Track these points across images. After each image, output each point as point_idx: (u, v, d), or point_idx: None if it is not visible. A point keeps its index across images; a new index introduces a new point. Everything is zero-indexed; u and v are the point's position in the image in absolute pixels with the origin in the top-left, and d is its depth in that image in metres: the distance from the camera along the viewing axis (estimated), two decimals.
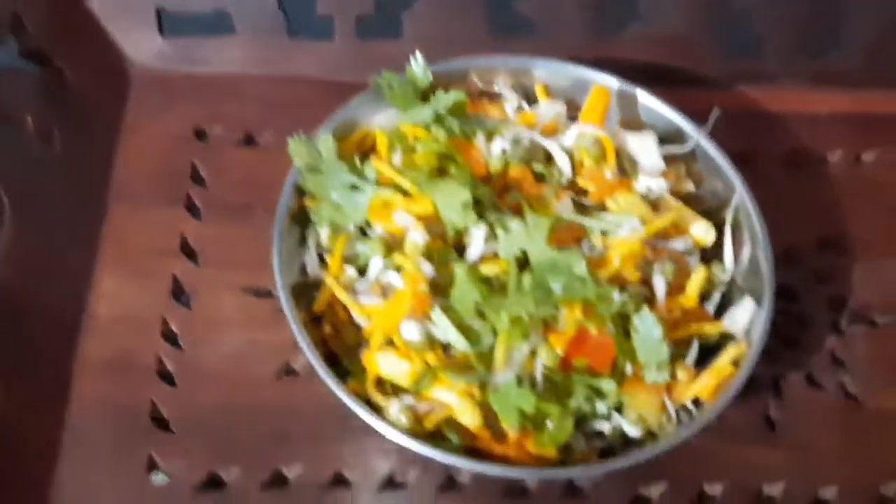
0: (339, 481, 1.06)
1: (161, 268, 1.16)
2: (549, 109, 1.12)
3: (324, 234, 1.05)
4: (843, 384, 1.14)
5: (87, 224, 1.17)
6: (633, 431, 1.00)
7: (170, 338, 1.12)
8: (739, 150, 1.16)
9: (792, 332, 1.15)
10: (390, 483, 1.06)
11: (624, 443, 1.01)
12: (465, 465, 0.93)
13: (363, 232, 1.07)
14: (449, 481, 1.06)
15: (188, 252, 1.17)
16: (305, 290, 1.05)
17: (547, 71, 1.16)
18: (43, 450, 1.04)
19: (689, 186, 1.11)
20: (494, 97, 1.16)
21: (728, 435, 1.09)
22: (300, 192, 1.06)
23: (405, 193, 1.03)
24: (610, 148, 1.06)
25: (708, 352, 1.04)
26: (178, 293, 1.15)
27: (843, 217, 1.23)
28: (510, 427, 0.94)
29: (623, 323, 0.99)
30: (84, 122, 1.22)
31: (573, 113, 1.14)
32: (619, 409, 1.01)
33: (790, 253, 1.17)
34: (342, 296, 1.01)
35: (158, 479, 1.04)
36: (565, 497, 1.06)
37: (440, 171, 1.05)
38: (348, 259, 1.05)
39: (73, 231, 1.16)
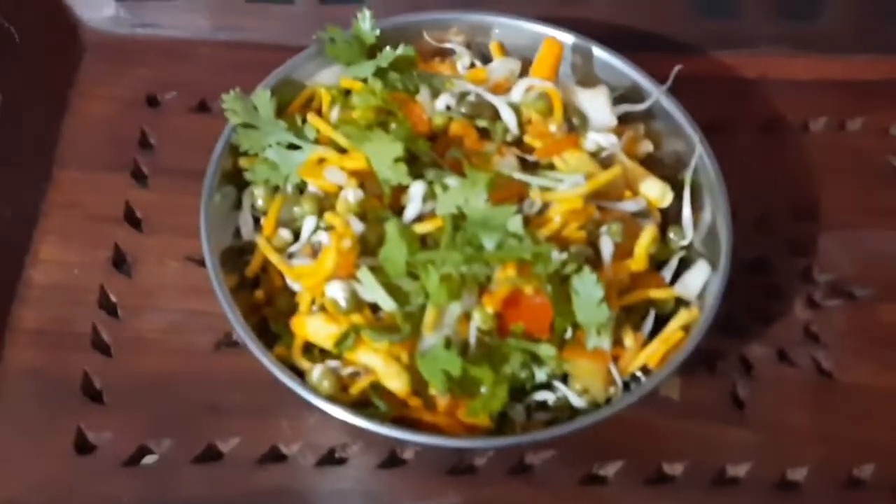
0: (276, 456, 1.01)
1: (103, 235, 1.12)
2: (501, 67, 1.07)
3: (259, 194, 1.00)
4: (816, 360, 1.07)
5: (29, 188, 1.13)
6: (578, 402, 0.94)
7: (107, 307, 1.08)
8: (714, 117, 1.12)
9: (763, 305, 1.08)
10: (330, 458, 1.01)
11: (570, 416, 0.95)
12: (385, 432, 0.88)
13: (302, 194, 1.01)
14: (391, 457, 1.01)
15: (132, 220, 1.13)
16: (240, 254, 1.01)
17: (503, 29, 1.11)
18: None
19: (648, 147, 1.05)
20: (447, 56, 1.10)
21: (692, 413, 1.03)
22: (235, 151, 1.01)
23: (342, 151, 0.97)
24: (557, 101, 1.00)
25: (662, 323, 0.98)
26: (119, 262, 1.10)
27: (821, 186, 1.17)
28: (438, 392, 0.89)
29: (564, 285, 0.92)
30: (32, 84, 1.18)
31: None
32: (565, 380, 0.94)
33: (764, 222, 1.11)
34: (273, 257, 0.97)
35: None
36: (514, 474, 1.01)
37: (380, 128, 0.99)
38: (286, 222, 1.00)
39: (13, 195, 1.12)
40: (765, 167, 1.14)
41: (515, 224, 0.90)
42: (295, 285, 0.97)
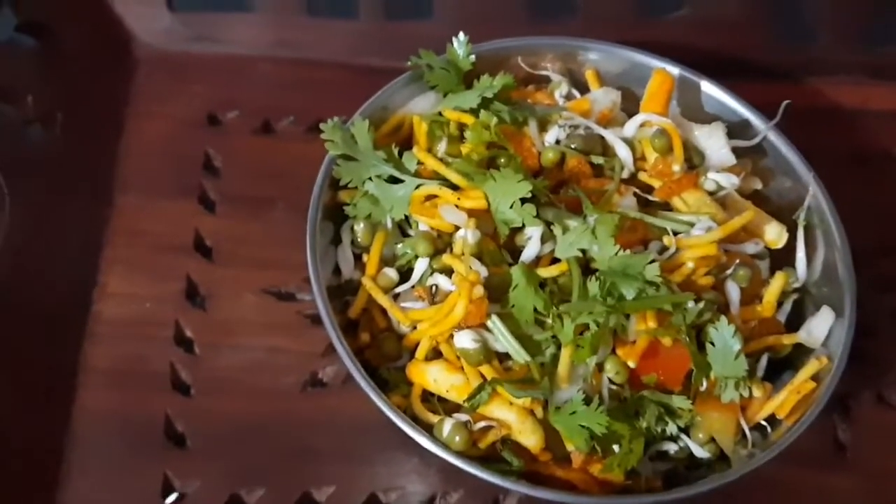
0: None
1: (173, 266, 1.06)
2: (603, 97, 1.02)
3: (360, 230, 0.95)
4: None
5: (92, 216, 1.07)
6: (702, 453, 0.91)
7: (183, 343, 1.02)
8: (798, 147, 1.07)
9: (857, 344, 1.04)
10: None
11: (690, 465, 0.92)
12: (528, 492, 0.84)
13: (402, 231, 0.96)
14: None
15: (202, 249, 1.07)
16: (339, 293, 0.96)
17: (599, 54, 1.06)
18: (45, 464, 0.94)
19: (756, 185, 1.01)
20: (541, 84, 1.06)
21: (795, 458, 0.97)
22: (334, 184, 0.96)
23: (451, 186, 0.92)
24: (677, 138, 0.96)
25: (773, 365, 0.95)
26: (193, 294, 1.04)
27: None
28: (578, 450, 0.85)
29: (695, 334, 0.88)
30: (87, 103, 1.12)
31: (626, 105, 1.04)
32: (685, 429, 0.91)
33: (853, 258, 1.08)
34: (381, 299, 0.92)
35: (170, 498, 0.93)
36: None
37: (489, 162, 0.94)
38: (387, 260, 0.95)
39: (75, 224, 1.06)
40: (849, 200, 1.09)
41: (653, 272, 0.86)
42: (403, 328, 0.92)
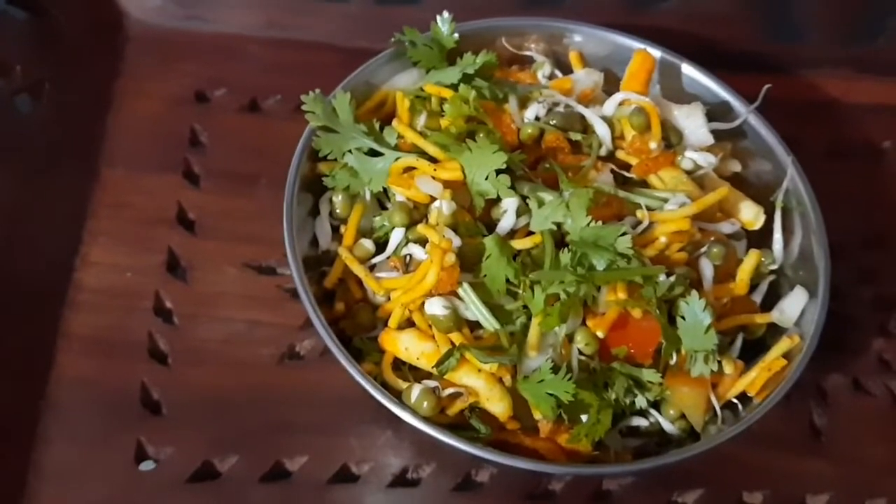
0: (346, 476, 0.96)
1: (156, 238, 1.06)
2: (586, 78, 1.03)
3: (338, 201, 0.96)
4: (891, 389, 1.05)
5: (77, 188, 1.07)
6: (672, 429, 0.91)
7: (163, 314, 1.02)
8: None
9: (835, 333, 1.04)
10: (402, 479, 0.97)
11: (660, 442, 0.93)
12: (496, 459, 0.84)
13: (380, 204, 0.97)
14: (466, 479, 0.97)
15: (185, 222, 1.08)
16: (315, 264, 0.96)
17: (583, 37, 1.07)
18: (21, 429, 0.94)
19: (735, 167, 1.02)
20: (524, 65, 1.06)
21: (770, 442, 1.00)
22: (313, 156, 0.97)
23: (430, 160, 0.93)
24: (655, 116, 0.97)
25: (748, 349, 0.96)
26: (174, 266, 1.05)
27: (891, 213, 1.14)
28: (545, 417, 0.85)
29: (667, 308, 0.89)
30: (76, 77, 1.13)
31: (609, 88, 1.05)
32: (656, 405, 0.91)
33: (832, 248, 1.07)
34: (357, 269, 0.92)
35: (145, 465, 0.93)
36: (593, 501, 0.97)
37: (468, 137, 0.94)
38: (364, 232, 0.96)
39: (60, 194, 1.07)
40: (831, 191, 1.09)
41: (625, 243, 0.87)
42: (377, 298, 0.93)
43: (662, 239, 0.91)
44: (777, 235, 0.98)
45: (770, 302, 0.98)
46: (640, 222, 0.92)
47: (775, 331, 0.96)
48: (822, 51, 1.23)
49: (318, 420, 0.98)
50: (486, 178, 0.91)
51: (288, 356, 1.01)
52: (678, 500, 0.98)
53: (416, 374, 0.89)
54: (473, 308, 0.87)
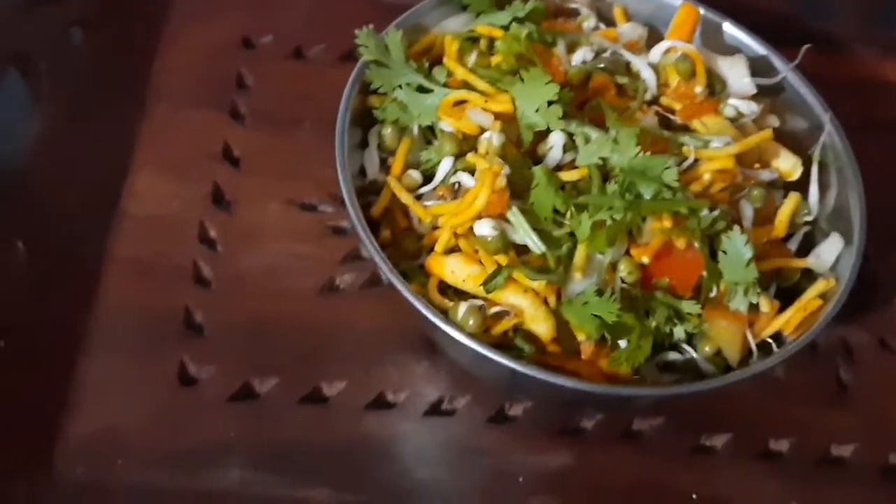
0: (382, 403, 0.98)
1: (201, 171, 1.08)
2: (630, 31, 1.06)
3: (387, 134, 0.98)
4: None
5: (124, 119, 1.09)
6: (706, 366, 0.93)
7: (207, 242, 1.04)
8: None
9: (862, 294, 1.06)
10: (437, 409, 0.98)
11: (695, 380, 0.93)
12: (541, 375, 0.85)
13: (427, 141, 0.99)
14: (499, 413, 0.99)
15: (230, 158, 1.10)
16: (362, 194, 0.97)
17: None
18: (65, 346, 0.96)
19: (774, 122, 1.04)
20: (570, 17, 1.09)
21: (797, 393, 1.02)
22: (364, 89, 0.99)
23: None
24: (700, 63, 1.00)
25: (782, 296, 0.97)
26: (219, 198, 1.07)
27: None
28: (588, 337, 0.87)
29: (709, 244, 0.91)
30: (128, 14, 1.16)
31: (652, 44, 1.07)
32: (692, 342, 0.93)
33: None
34: (404, 196, 0.94)
35: None
36: (623, 440, 0.99)
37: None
38: (411, 165, 0.98)
39: (109, 124, 1.09)
40: (863, 165, 1.12)
41: (671, 176, 0.89)
42: (422, 227, 0.95)
43: (707, 176, 0.93)
44: (813, 188, 1.00)
45: (804, 253, 0.99)
46: (685, 159, 0.93)
47: (809, 279, 0.97)
48: (853, 30, 1.24)
49: (357, 350, 0.99)
50: (537, 111, 0.92)
51: (328, 288, 1.02)
52: (706, 444, 0.99)
53: (462, 297, 0.90)
54: (522, 231, 0.88)
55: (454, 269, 0.89)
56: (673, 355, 0.93)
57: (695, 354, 0.93)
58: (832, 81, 1.20)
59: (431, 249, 0.93)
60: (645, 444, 0.99)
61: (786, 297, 0.97)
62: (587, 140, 0.92)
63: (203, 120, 1.11)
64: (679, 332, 0.91)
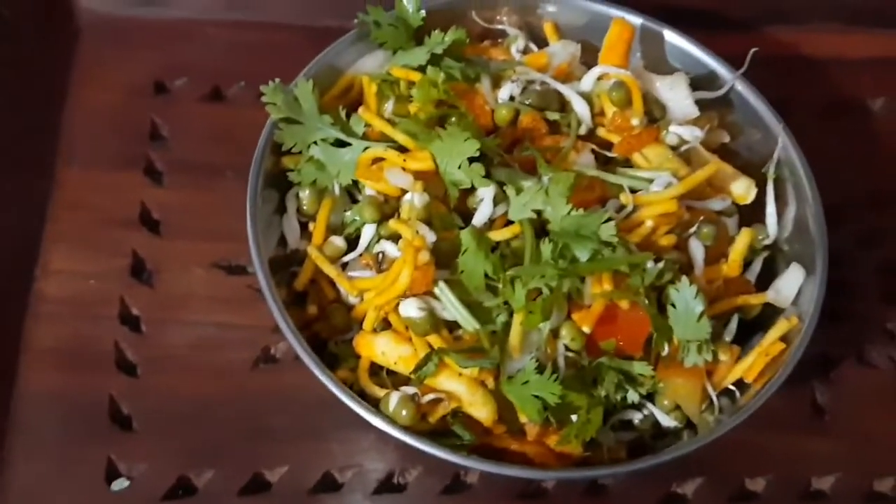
0: (329, 484, 0.92)
1: (118, 241, 1.01)
2: (561, 50, 0.98)
3: (305, 197, 0.91)
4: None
5: (32, 190, 1.02)
6: (667, 421, 0.87)
7: (129, 322, 0.97)
8: (770, 99, 1.01)
9: (837, 303, 0.99)
10: (387, 485, 0.92)
11: (655, 434, 0.88)
12: (482, 467, 0.80)
13: (351, 197, 0.92)
14: (455, 481, 0.93)
15: (149, 223, 1.02)
16: (285, 264, 0.91)
17: (557, 6, 1.02)
18: None
19: (724, 138, 0.97)
20: (497, 39, 1.01)
21: (771, 424, 0.94)
22: (276, 150, 0.91)
23: (399, 148, 0.88)
24: (636, 90, 0.92)
25: (744, 328, 0.91)
26: (139, 270, 1.00)
27: (891, 172, 1.09)
28: (531, 421, 0.80)
29: (656, 296, 0.84)
30: (27, 71, 1.08)
31: (587, 58, 0.99)
32: (650, 396, 0.87)
33: (832, 213, 1.02)
34: (328, 269, 0.88)
35: (118, 484, 0.89)
36: (587, 496, 0.94)
37: (439, 122, 0.90)
38: (335, 228, 0.91)
39: (15, 198, 1.02)
40: (828, 152, 1.04)
41: (608, 231, 0.82)
42: (351, 299, 0.88)
43: (648, 223, 0.86)
44: (770, 209, 0.94)
45: (766, 278, 0.94)
46: (624, 206, 0.86)
47: (772, 310, 0.91)
48: (810, 1, 1.16)
49: (298, 426, 0.93)
50: (459, 167, 0.85)
51: (263, 360, 0.96)
52: (677, 492, 0.94)
53: (395, 378, 0.85)
54: (451, 308, 0.82)
55: (384, 350, 0.84)
56: (630, 413, 0.88)
57: (654, 410, 0.87)
58: (791, 63, 1.14)
59: (362, 322, 0.86)
60: (611, 498, 0.94)
61: (750, 328, 0.91)
62: (519, 191, 0.85)
63: (116, 182, 1.04)
64: (632, 395, 0.84)
